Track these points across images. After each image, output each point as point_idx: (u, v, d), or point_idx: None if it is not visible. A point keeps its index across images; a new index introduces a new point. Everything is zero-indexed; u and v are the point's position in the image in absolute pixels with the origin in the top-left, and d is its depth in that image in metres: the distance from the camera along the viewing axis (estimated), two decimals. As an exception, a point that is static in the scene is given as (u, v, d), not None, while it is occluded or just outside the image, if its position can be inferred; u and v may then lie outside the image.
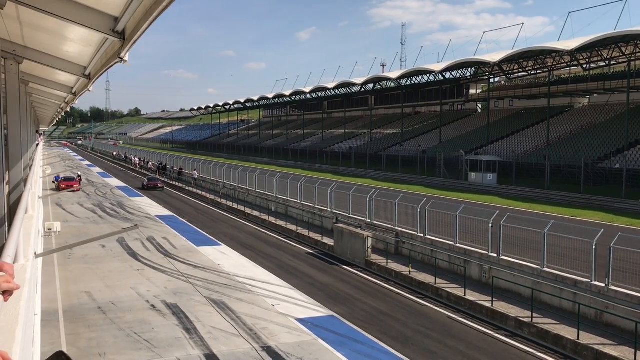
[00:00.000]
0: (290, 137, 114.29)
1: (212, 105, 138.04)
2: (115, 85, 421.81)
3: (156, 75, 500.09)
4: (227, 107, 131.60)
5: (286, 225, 34.60)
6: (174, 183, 61.35)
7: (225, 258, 26.52)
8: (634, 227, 30.44)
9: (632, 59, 51.47)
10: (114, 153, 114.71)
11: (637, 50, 49.98)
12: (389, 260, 24.60)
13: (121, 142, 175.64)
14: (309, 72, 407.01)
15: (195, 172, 59.12)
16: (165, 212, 41.32)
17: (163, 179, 62.77)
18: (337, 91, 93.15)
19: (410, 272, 23.01)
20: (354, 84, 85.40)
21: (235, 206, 42.94)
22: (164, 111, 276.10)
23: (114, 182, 64.17)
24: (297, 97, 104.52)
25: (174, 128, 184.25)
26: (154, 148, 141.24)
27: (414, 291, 21.65)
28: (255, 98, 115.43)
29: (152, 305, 18.47)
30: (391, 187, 48.97)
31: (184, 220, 37.42)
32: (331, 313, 18.71)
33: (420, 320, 18.47)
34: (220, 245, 29.72)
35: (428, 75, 73.89)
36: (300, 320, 17.52)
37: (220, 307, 18.48)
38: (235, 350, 14.78)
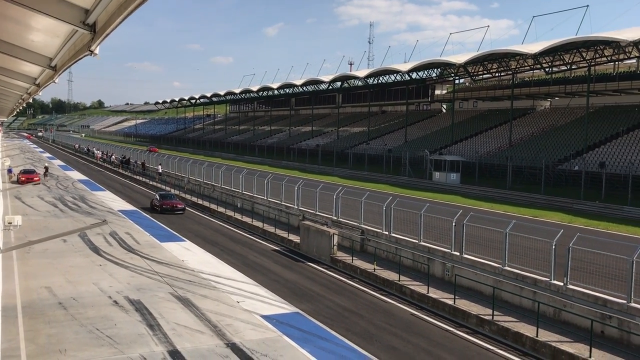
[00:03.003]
0: (257, 133, 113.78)
1: (177, 99, 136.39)
2: (78, 77, 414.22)
3: (120, 67, 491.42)
4: (193, 101, 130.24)
5: (252, 222, 34.47)
6: (138, 177, 60.42)
7: (190, 254, 26.29)
8: (592, 227, 31.38)
9: (592, 64, 52.95)
10: (76, 145, 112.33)
11: (597, 55, 51.45)
12: (354, 258, 24.76)
13: (83, 135, 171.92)
14: (276, 68, 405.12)
15: (160, 166, 58.34)
16: (129, 206, 40.68)
17: (181, 196, 44.65)
18: (304, 88, 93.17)
19: (375, 269, 23.22)
20: (321, 82, 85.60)
21: (200, 202, 42.56)
22: (128, 104, 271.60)
23: (76, 175, 62.86)
24: (265, 93, 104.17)
25: (138, 121, 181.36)
26: (117, 141, 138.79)
27: (379, 288, 21.86)
28: (222, 93, 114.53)
29: (115, 301, 18.20)
30: (357, 185, 49.27)
31: (148, 216, 36.91)
32: (296, 310, 18.75)
33: (384, 317, 18.68)
34: (184, 241, 29.44)
35: (395, 75, 74.56)
36: (265, 317, 17.51)
37: (185, 303, 18.34)
38: (199, 346, 14.70)
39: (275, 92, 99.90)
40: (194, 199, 44.06)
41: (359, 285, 22.49)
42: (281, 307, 19.02)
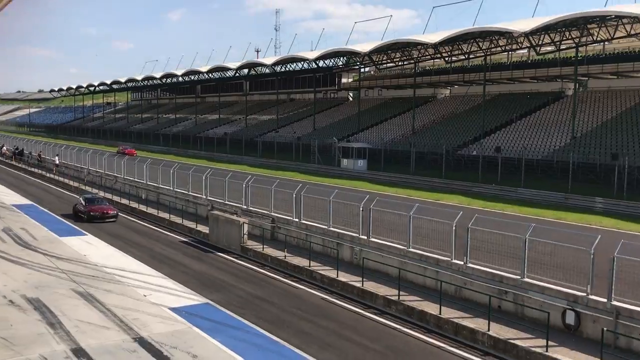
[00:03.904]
0: (161, 121, 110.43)
1: (74, 87, 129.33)
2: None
3: (10, 51, 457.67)
4: (92, 88, 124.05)
5: (158, 213, 33.52)
6: (33, 170, 56.91)
7: (92, 248, 25.17)
8: (489, 209, 33.25)
9: (488, 53, 55.80)
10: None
11: (493, 45, 54.25)
12: (265, 246, 24.77)
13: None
14: (180, 54, 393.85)
15: (57, 157, 55.22)
16: (24, 200, 38.25)
17: (109, 198, 37.89)
18: (210, 75, 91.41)
19: (285, 256, 23.35)
20: (228, 69, 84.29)
21: (102, 194, 40.78)
22: (19, 91, 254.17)
23: (-38, 168, 58.24)
24: (169, 80, 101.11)
25: (32, 110, 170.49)
26: (8, 131, 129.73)
27: (290, 275, 22.02)
28: (123, 80, 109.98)
29: (10, 301, 17.09)
30: (267, 173, 49.19)
31: (45, 210, 34.89)
32: (206, 301, 18.50)
33: (295, 302, 18.86)
34: (85, 235, 28.12)
35: (302, 62, 74.80)
36: (174, 309, 17.14)
37: (88, 299, 17.57)
38: (105, 342, 14.16)
39: (180, 79, 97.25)
40: (95, 190, 42.14)
41: (270, 272, 22.54)
42: (190, 298, 18.69)
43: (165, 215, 32.52)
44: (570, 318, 15.18)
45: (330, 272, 20.97)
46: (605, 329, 13.93)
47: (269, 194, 27.22)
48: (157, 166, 38.20)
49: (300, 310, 18.12)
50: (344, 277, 20.39)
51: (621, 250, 14.57)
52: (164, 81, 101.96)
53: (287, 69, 79.63)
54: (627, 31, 44.81)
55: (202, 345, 14.51)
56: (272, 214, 27.00)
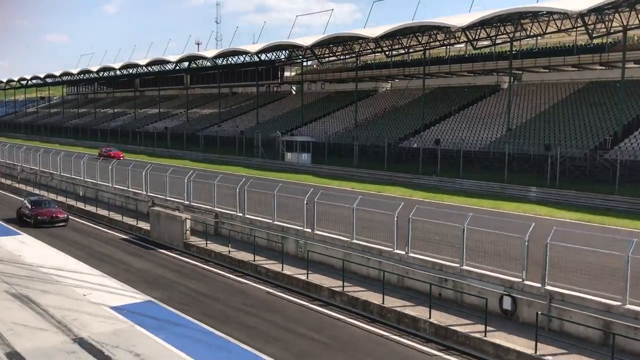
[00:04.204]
0: (98, 116, 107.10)
1: (5, 80, 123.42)
2: None
3: None
4: (24, 82, 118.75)
5: (97, 210, 32.57)
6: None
7: (28, 248, 24.26)
8: (429, 200, 34.02)
9: (427, 47, 56.86)
10: None
11: (431, 40, 55.30)
12: (208, 242, 24.51)
13: None
14: (118, 47, 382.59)
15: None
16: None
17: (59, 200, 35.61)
18: (149, 68, 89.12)
19: (229, 251, 23.19)
20: (168, 62, 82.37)
21: (37, 191, 39.23)
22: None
23: None
24: (106, 74, 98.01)
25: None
26: None
27: (234, 270, 21.89)
28: (58, 73, 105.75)
29: (-62, 306, 16.29)
30: (210, 168, 48.56)
31: (-25, 209, 33.31)
32: (149, 298, 18.17)
33: (240, 297, 18.78)
34: (20, 234, 27.06)
35: (244, 55, 74.01)
36: (115, 308, 16.76)
37: (23, 301, 16.94)
38: (42, 345, 13.70)
39: (118, 72, 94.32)
40: (30, 188, 40.50)
41: (214, 268, 22.34)
42: (132, 296, 18.31)
43: (105, 213, 31.65)
44: (507, 303, 15.77)
45: (275, 266, 20.98)
46: (539, 312, 14.54)
47: (212, 188, 26.92)
48: (94, 162, 37.06)
49: (245, 304, 18.06)
50: (289, 270, 20.44)
51: (554, 237, 15.22)
52: (101, 75, 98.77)
53: (228, 62, 78.65)
54: (557, 26, 46.64)
55: (145, 343, 14.26)
56: (216, 209, 26.72)
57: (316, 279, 19.36)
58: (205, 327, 15.87)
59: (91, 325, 15.11)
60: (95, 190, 36.12)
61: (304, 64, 79.67)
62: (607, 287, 14.25)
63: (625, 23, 41.18)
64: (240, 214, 25.32)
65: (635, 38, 54.82)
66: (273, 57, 72.53)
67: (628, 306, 13.68)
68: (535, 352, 13.48)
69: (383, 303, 16.91)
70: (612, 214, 29.78)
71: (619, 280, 13.96)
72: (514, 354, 13.75)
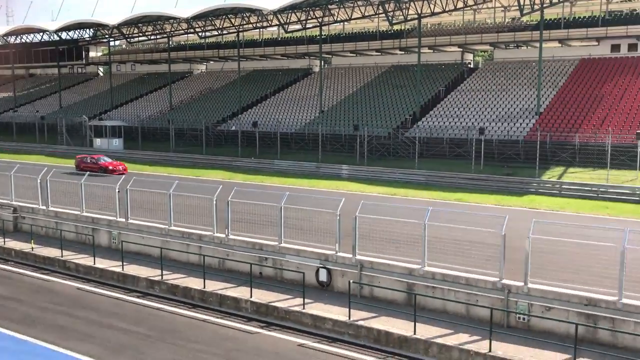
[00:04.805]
0: None
1: None
2: None
3: None
4: None
5: None
6: None
7: None
8: (249, 182, 34.37)
9: (240, 30, 56.90)
10: None
11: (244, 22, 55.49)
12: (6, 239, 22.22)
13: None
14: None
15: None
16: None
17: None
18: None
19: (33, 248, 21.21)
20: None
21: None
22: None
23: None
24: None
25: None
26: None
27: (40, 268, 20.10)
28: None
29: None
30: (5, 157, 43.73)
31: None
32: None
33: (47, 297, 17.30)
34: None
35: (42, 34, 67.54)
36: None
37: None
38: None
39: None
40: None
41: (16, 268, 20.30)
42: None
43: None
44: (323, 275, 16.59)
45: (86, 260, 19.65)
46: (351, 281, 15.53)
47: (8, 181, 24.32)
48: None
49: (54, 304, 16.69)
50: (102, 263, 19.29)
51: (362, 210, 16.30)
52: None
53: (23, 40, 71.12)
54: (362, 13, 49.63)
55: None
56: (14, 203, 24.22)
57: (133, 269, 18.53)
58: (6, 333, 14.37)
59: None
60: None
61: (112, 44, 74.92)
62: (411, 253, 15.65)
63: (419, 11, 45.16)
64: (44, 207, 23.23)
65: (429, 25, 60.43)
66: (76, 36, 67.28)
67: (426, 268, 15.19)
68: (349, 319, 14.40)
69: (204, 288, 16.76)
70: (413, 186, 32.79)
71: (419, 246, 15.41)
72: (329, 323, 14.54)
